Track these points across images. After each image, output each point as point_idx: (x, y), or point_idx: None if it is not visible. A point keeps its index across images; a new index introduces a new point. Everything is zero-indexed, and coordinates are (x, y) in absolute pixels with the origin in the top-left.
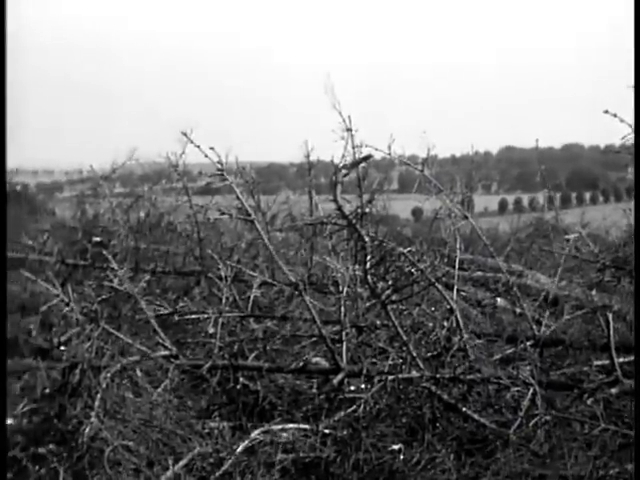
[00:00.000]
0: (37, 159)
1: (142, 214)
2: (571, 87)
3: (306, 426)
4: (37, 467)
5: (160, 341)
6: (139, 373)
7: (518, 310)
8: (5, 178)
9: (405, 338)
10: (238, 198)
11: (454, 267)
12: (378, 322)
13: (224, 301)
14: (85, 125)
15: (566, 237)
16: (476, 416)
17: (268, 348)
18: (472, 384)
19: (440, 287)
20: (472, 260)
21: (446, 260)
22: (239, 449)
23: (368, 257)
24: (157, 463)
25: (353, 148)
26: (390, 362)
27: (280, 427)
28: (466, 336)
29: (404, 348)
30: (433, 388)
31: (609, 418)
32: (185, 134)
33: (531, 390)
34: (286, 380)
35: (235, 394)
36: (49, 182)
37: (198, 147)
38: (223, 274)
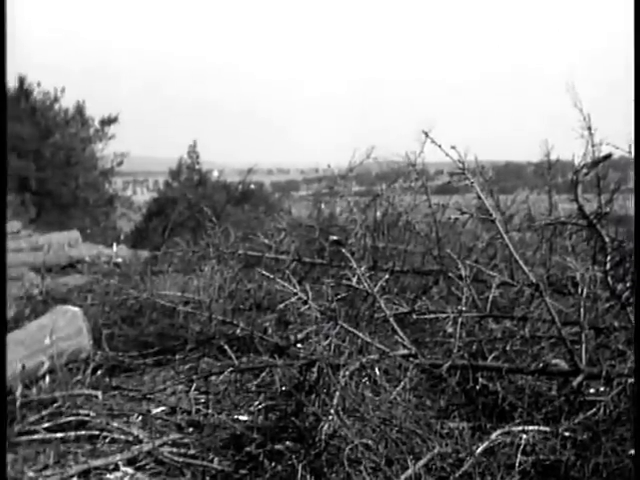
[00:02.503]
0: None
1: (379, 213)
2: None
3: (546, 428)
4: (273, 464)
5: (399, 340)
6: (378, 372)
7: None
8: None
9: None
10: (479, 197)
11: None
12: (617, 324)
13: (463, 301)
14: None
15: None
16: None
17: (507, 349)
18: None
19: None
20: None
21: None
22: (479, 450)
23: (608, 258)
24: (396, 462)
25: (592, 147)
26: (629, 364)
27: (520, 428)
28: None
29: None
30: None
31: None
32: (426, 133)
33: None
34: (526, 381)
35: (474, 394)
36: (284, 181)
37: (439, 146)
38: (462, 273)
